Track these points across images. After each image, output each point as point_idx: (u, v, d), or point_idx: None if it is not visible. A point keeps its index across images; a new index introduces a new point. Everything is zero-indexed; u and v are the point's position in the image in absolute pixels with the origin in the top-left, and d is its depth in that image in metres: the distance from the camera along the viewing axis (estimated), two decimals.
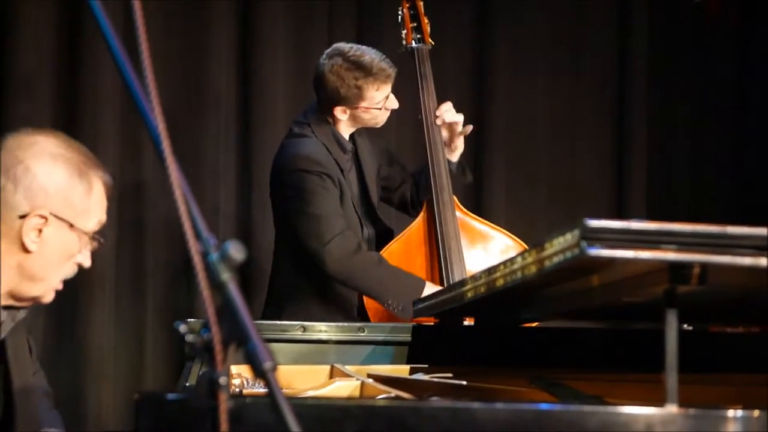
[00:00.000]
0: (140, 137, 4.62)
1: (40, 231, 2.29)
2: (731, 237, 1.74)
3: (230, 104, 4.78)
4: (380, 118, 3.90)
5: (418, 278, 3.76)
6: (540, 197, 5.16)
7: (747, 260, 1.73)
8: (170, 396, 1.74)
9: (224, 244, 1.44)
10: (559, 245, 1.80)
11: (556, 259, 1.82)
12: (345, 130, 3.92)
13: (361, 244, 3.77)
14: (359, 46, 3.89)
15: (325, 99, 3.86)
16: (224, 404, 1.39)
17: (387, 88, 3.84)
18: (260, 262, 4.45)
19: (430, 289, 3.71)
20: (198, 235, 1.45)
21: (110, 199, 2.41)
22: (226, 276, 1.43)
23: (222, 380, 1.39)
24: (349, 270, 3.73)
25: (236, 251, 1.43)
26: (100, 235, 2.38)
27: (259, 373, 1.38)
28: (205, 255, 1.43)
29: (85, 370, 4.54)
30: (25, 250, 2.30)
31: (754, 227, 1.76)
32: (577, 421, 1.73)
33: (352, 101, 3.82)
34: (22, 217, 2.28)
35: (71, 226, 2.31)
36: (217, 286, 1.43)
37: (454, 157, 4.00)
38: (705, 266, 1.75)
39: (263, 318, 3.90)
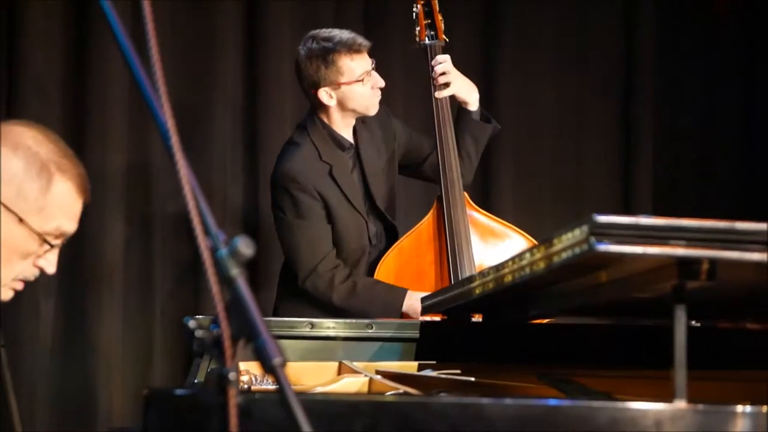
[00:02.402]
0: (149, 135, 4.63)
1: None
2: (740, 233, 1.74)
3: (237, 102, 4.79)
4: (369, 100, 3.86)
5: (399, 289, 3.79)
6: (546, 193, 5.16)
7: (756, 256, 1.73)
8: (179, 392, 1.74)
9: (233, 239, 1.44)
10: (568, 241, 1.79)
11: (564, 255, 1.81)
12: (341, 126, 3.90)
13: (334, 278, 3.81)
14: (331, 29, 3.90)
15: (309, 87, 3.84)
16: (234, 400, 1.39)
17: (362, 60, 3.82)
18: (268, 257, 4.45)
19: (411, 296, 3.74)
20: (207, 231, 1.45)
21: (87, 207, 2.27)
22: (235, 271, 1.43)
23: (231, 376, 1.39)
24: (326, 303, 3.82)
25: (245, 247, 1.43)
26: (59, 242, 2.24)
27: (269, 368, 1.38)
28: (214, 251, 1.44)
29: (94, 367, 4.55)
30: None
31: (762, 223, 1.76)
32: (586, 416, 1.73)
33: (330, 79, 3.80)
34: None
35: (20, 220, 2.18)
36: (226, 281, 1.43)
37: (472, 106, 3.98)
38: (714, 262, 1.74)
39: (273, 314, 3.94)
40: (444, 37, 4.03)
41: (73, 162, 2.25)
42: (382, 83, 3.87)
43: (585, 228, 1.72)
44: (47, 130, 2.28)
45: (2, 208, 2.16)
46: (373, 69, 3.85)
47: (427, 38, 4.02)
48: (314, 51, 3.79)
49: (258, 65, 4.81)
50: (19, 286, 2.27)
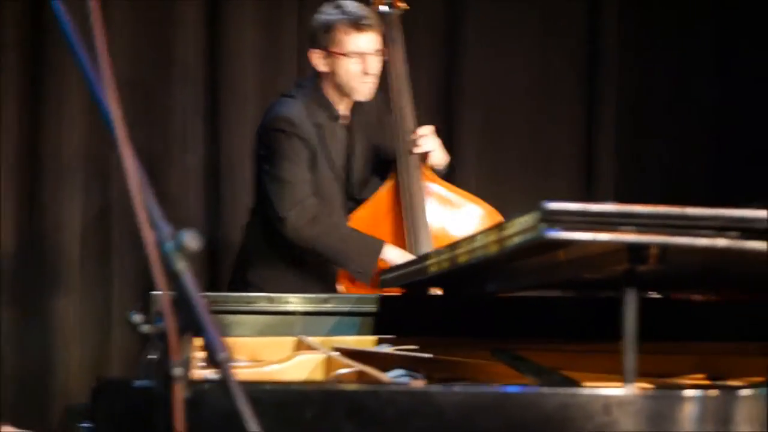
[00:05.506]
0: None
1: None
2: (690, 218, 1.75)
3: (198, 74, 4.72)
4: (354, 81, 3.79)
5: (376, 240, 3.78)
6: (511, 164, 5.12)
7: (704, 241, 1.74)
8: (129, 383, 1.74)
9: (179, 233, 1.42)
10: (519, 226, 1.81)
11: (516, 240, 1.83)
12: (335, 98, 3.86)
13: (320, 213, 3.79)
14: (355, 1, 3.87)
15: (308, 43, 3.88)
16: (180, 395, 1.38)
17: (359, 38, 3.78)
18: (228, 234, 4.43)
19: (388, 249, 3.73)
20: (153, 224, 1.44)
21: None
22: (182, 265, 1.42)
23: (177, 371, 1.38)
24: (307, 237, 3.77)
25: (191, 241, 1.42)
26: None
27: (215, 363, 1.38)
28: (159, 244, 1.43)
29: (52, 343, 4.52)
30: None
31: (713, 208, 1.76)
32: (535, 402, 1.74)
33: (323, 43, 3.80)
34: None
35: None
36: (172, 275, 1.42)
37: (439, 167, 3.95)
38: (664, 247, 1.75)
39: (231, 283, 3.92)
40: (401, 4, 3.94)
41: None
42: (372, 70, 3.80)
43: (536, 214, 1.73)
44: None
45: None
46: (372, 55, 3.80)
47: (386, 5, 3.93)
48: (323, 12, 3.84)
49: (219, 36, 4.75)
50: None
